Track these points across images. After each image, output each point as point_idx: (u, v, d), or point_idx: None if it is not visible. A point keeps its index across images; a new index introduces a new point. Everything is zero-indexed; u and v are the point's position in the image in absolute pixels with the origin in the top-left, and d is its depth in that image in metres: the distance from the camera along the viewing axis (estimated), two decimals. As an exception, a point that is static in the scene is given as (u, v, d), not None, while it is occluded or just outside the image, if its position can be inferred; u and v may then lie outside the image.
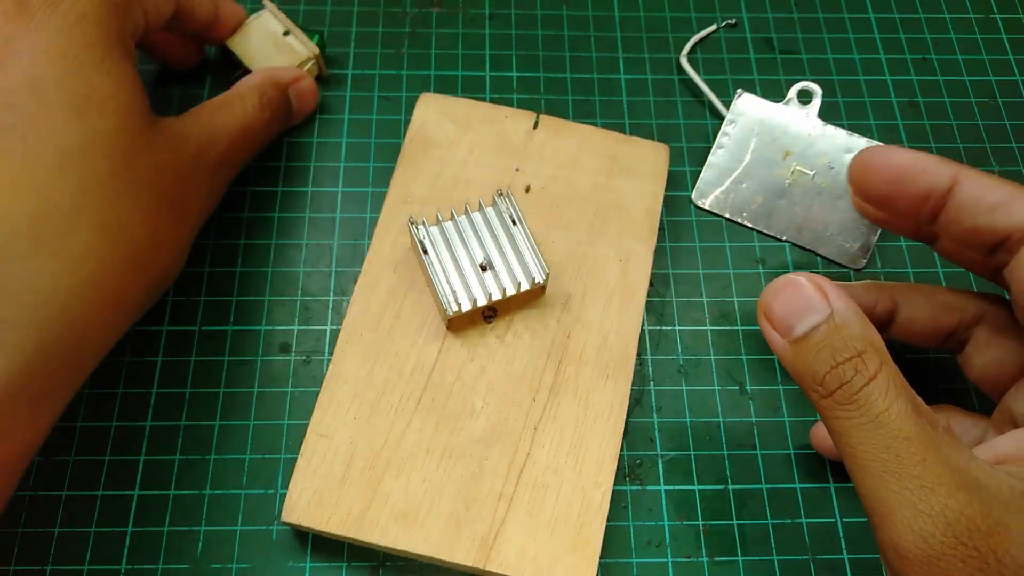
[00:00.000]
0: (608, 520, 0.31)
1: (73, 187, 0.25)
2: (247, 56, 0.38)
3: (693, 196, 0.40)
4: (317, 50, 0.40)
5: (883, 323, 0.30)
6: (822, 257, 0.39)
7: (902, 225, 0.31)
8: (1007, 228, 0.25)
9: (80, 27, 0.27)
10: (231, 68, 0.40)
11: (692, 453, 0.34)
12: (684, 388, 0.36)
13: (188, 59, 0.41)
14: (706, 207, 0.40)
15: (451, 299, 0.33)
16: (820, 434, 0.33)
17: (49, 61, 0.26)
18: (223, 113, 0.33)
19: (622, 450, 0.33)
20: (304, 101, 0.39)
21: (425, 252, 0.34)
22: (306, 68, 0.39)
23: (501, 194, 0.35)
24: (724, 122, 0.41)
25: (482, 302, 0.34)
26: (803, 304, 0.23)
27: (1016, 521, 0.19)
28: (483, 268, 0.34)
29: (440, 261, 0.34)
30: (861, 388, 0.22)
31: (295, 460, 0.32)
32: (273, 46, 0.39)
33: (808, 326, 0.23)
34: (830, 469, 0.34)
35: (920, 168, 0.26)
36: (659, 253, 0.38)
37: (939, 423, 0.22)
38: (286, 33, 0.39)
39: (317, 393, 0.33)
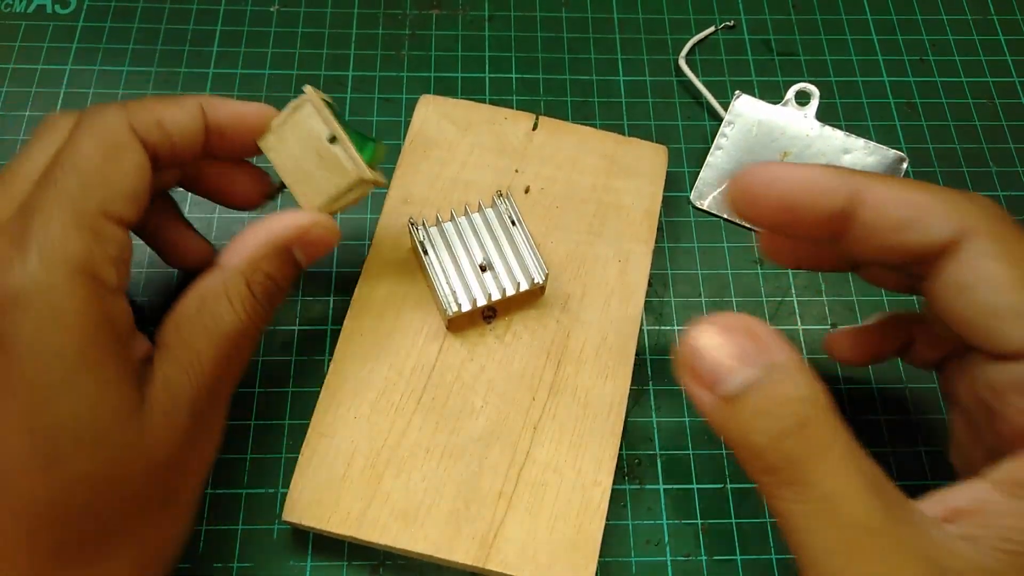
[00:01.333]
0: (607, 519, 0.31)
1: (47, 553, 0.21)
2: (281, 165, 0.29)
3: (692, 197, 0.41)
4: (368, 173, 0.29)
5: (838, 232, 0.23)
6: (820, 257, 0.40)
7: (816, 258, 0.27)
8: (920, 246, 0.21)
9: (46, 338, 0.21)
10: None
11: (691, 452, 0.35)
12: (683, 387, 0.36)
13: (253, 195, 0.32)
14: (705, 208, 0.40)
15: (451, 299, 0.33)
16: (835, 339, 0.31)
17: (8, 393, 0.21)
18: (203, 330, 0.25)
19: (621, 449, 0.34)
20: (316, 250, 0.29)
21: (425, 253, 0.34)
22: (351, 194, 0.29)
23: (501, 195, 0.35)
24: (722, 123, 0.41)
25: (482, 302, 0.34)
26: (735, 354, 0.19)
27: None
28: (483, 269, 0.35)
29: (440, 262, 0.34)
30: (811, 466, 0.18)
31: (296, 459, 0.32)
32: (314, 156, 0.28)
33: (741, 382, 0.19)
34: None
35: (810, 187, 0.21)
36: (658, 253, 0.38)
37: (894, 495, 0.19)
38: (332, 139, 0.28)
39: (318, 393, 0.33)
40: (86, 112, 0.25)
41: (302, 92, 0.28)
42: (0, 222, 0.23)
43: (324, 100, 0.28)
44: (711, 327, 0.20)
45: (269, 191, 0.32)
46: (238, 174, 0.31)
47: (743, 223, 0.40)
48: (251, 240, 0.27)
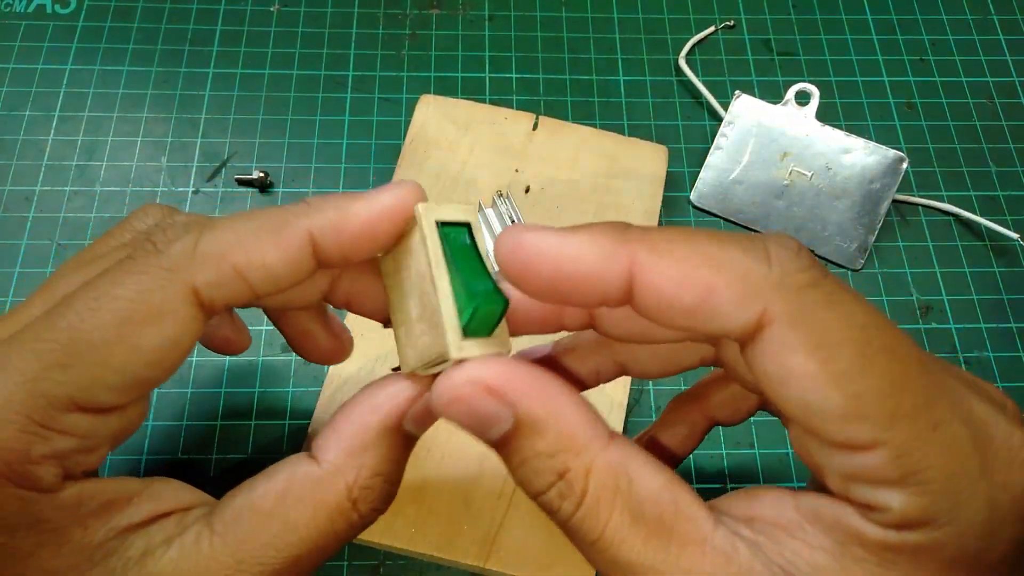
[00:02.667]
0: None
1: None
2: (390, 299, 0.22)
3: (692, 197, 0.41)
4: (459, 349, 0.19)
5: (623, 304, 0.19)
6: (820, 257, 0.39)
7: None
8: (709, 334, 0.18)
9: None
10: None
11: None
12: (683, 388, 0.36)
13: (330, 355, 0.27)
14: (704, 208, 0.40)
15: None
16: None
17: None
18: (264, 544, 0.19)
19: (621, 449, 0.33)
20: (430, 420, 0.22)
21: (425, 252, 0.34)
22: (445, 366, 0.19)
23: (501, 195, 0.35)
24: (722, 123, 0.41)
25: (482, 302, 0.34)
26: (479, 414, 0.18)
27: None
28: (483, 268, 0.35)
29: (440, 261, 0.34)
30: (570, 517, 0.18)
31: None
32: (418, 299, 0.20)
33: (497, 435, 0.18)
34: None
35: (578, 267, 0.17)
36: (658, 253, 0.38)
37: (668, 513, 0.18)
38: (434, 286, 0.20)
39: (318, 393, 0.33)
40: (148, 244, 0.19)
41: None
42: None
43: (456, 219, 0.20)
44: (449, 392, 0.18)
45: (349, 348, 0.27)
46: (319, 328, 0.26)
47: (744, 224, 0.40)
48: (353, 421, 0.21)
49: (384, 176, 0.40)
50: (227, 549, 0.19)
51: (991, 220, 0.40)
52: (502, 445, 0.18)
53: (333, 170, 0.40)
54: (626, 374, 0.26)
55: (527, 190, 0.38)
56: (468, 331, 0.19)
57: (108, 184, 0.40)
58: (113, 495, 0.19)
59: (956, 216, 0.41)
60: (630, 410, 0.35)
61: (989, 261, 0.40)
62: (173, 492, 0.20)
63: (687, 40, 0.45)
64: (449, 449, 0.32)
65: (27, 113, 0.41)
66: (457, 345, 0.19)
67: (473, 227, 0.20)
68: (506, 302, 0.19)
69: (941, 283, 0.39)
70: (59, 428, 0.18)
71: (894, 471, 0.16)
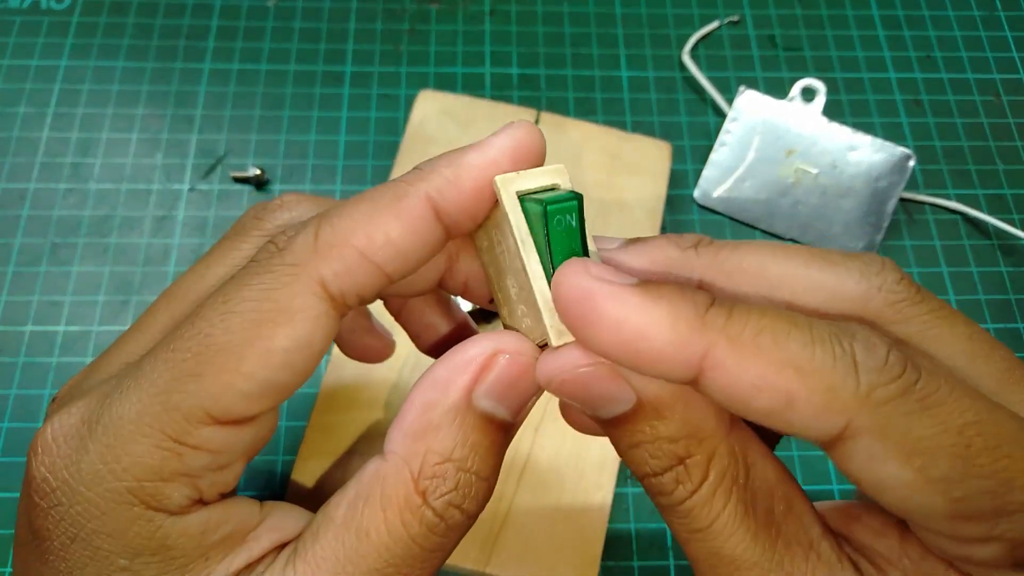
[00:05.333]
0: (609, 522, 0.31)
1: None
2: (489, 273, 0.20)
3: (695, 194, 0.40)
4: (561, 329, 0.17)
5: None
6: (825, 256, 0.39)
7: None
8: (793, 434, 0.16)
9: None
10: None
11: (694, 454, 0.34)
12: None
13: (373, 355, 0.27)
14: (708, 206, 0.40)
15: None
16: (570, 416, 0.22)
17: None
18: (339, 559, 0.18)
19: (623, 451, 0.33)
20: (522, 394, 0.19)
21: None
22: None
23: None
24: (727, 119, 0.40)
25: (482, 302, 0.33)
26: (600, 396, 0.17)
27: None
28: (483, 267, 0.34)
29: (440, 260, 0.34)
30: (682, 502, 0.17)
31: (293, 461, 0.31)
32: (514, 277, 0.19)
33: (612, 414, 0.17)
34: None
35: (651, 346, 0.15)
36: (661, 252, 0.38)
37: (778, 511, 0.17)
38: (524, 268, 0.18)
39: (315, 394, 0.33)
40: (269, 245, 0.18)
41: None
42: (115, 371, 0.18)
43: (539, 192, 0.18)
44: (572, 371, 0.17)
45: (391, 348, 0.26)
46: (441, 319, 0.24)
47: (748, 222, 0.40)
48: (414, 402, 0.18)
49: (383, 174, 0.39)
50: (308, 572, 0.17)
51: (999, 219, 0.39)
52: (614, 424, 0.17)
53: (330, 167, 0.40)
54: None
55: (528, 188, 0.37)
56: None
57: (103, 181, 0.39)
58: (235, 526, 0.18)
59: (963, 215, 0.40)
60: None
61: (996, 260, 0.39)
62: (291, 522, 0.19)
63: (691, 35, 0.44)
64: (448, 451, 0.32)
65: (21, 110, 0.41)
66: (558, 330, 0.17)
67: (562, 187, 0.18)
68: None
69: (948, 282, 0.39)
70: (192, 443, 0.17)
71: (1009, 560, 0.16)
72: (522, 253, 0.17)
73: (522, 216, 0.17)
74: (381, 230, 0.17)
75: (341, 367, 0.33)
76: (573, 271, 0.16)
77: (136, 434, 0.17)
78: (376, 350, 0.26)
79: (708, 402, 0.17)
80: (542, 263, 0.17)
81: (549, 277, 0.17)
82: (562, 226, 0.18)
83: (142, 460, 0.17)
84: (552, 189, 0.18)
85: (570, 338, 0.17)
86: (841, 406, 0.15)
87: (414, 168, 0.19)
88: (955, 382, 0.16)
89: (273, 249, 0.18)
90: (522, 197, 0.18)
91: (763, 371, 0.15)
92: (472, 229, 0.19)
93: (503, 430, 0.18)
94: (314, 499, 0.30)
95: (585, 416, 0.18)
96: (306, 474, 0.31)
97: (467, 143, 0.39)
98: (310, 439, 0.32)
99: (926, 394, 0.15)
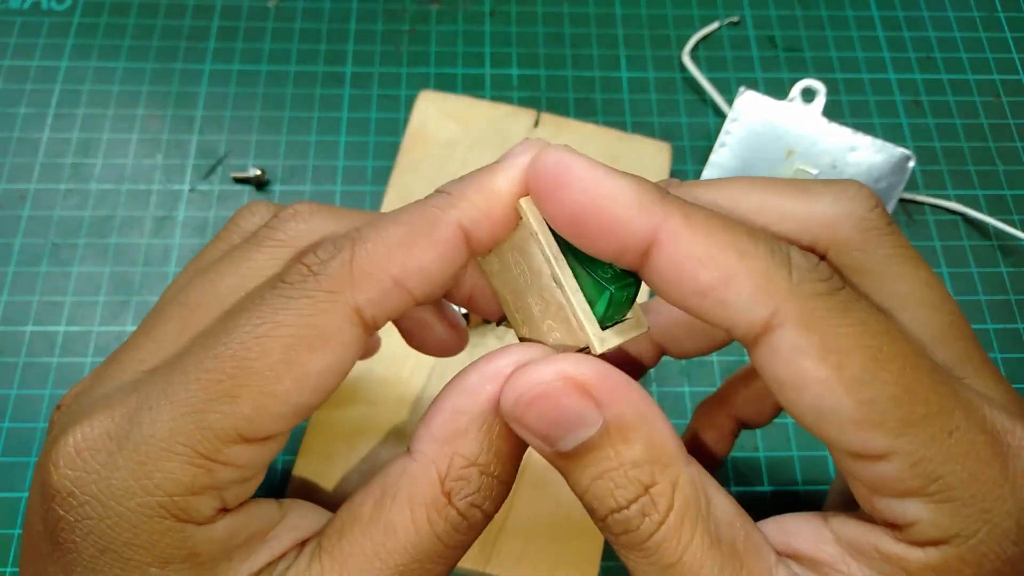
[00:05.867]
0: (609, 523, 0.31)
1: None
2: (502, 296, 0.20)
3: (695, 195, 0.40)
4: (601, 341, 0.18)
5: (633, 264, 0.18)
6: (825, 257, 0.39)
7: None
8: (719, 320, 0.17)
9: None
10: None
11: (694, 455, 0.34)
12: (687, 389, 0.35)
13: (449, 348, 0.26)
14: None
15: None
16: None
17: None
18: (365, 555, 0.18)
19: (623, 452, 0.33)
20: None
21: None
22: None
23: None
24: (727, 120, 0.40)
25: (482, 302, 0.33)
26: (562, 417, 0.17)
27: None
28: (483, 268, 0.34)
29: (440, 261, 0.34)
30: (649, 537, 0.17)
31: (293, 461, 0.31)
32: (537, 296, 0.19)
33: (574, 444, 0.17)
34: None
35: (606, 207, 0.16)
36: (661, 253, 0.38)
37: (739, 541, 0.17)
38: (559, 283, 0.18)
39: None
40: (301, 267, 0.18)
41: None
42: (131, 380, 0.19)
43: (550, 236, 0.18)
44: (535, 386, 0.17)
45: (467, 338, 0.26)
46: (436, 319, 0.25)
47: (747, 222, 0.40)
48: (443, 408, 0.19)
49: (383, 174, 0.39)
50: (335, 568, 0.18)
51: (999, 219, 0.39)
52: (577, 456, 0.17)
53: (330, 168, 0.40)
54: (666, 354, 0.25)
55: (528, 188, 0.37)
56: (605, 320, 0.18)
57: (103, 182, 0.39)
58: (257, 526, 0.19)
59: (963, 215, 0.40)
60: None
61: (996, 261, 0.39)
62: (310, 520, 0.19)
63: (691, 36, 0.44)
64: (448, 452, 0.32)
65: (22, 110, 0.41)
66: (600, 338, 0.18)
67: None
68: (638, 281, 0.18)
69: (948, 283, 0.39)
70: (223, 460, 0.17)
71: (913, 479, 0.16)
72: (557, 270, 0.18)
73: (551, 236, 0.18)
74: (416, 260, 0.18)
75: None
76: (553, 147, 0.17)
77: (168, 452, 0.17)
78: (449, 343, 0.26)
79: (668, 427, 0.17)
80: (576, 276, 0.18)
81: (584, 288, 0.18)
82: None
83: (174, 476, 0.17)
84: None
85: (612, 345, 0.18)
86: (773, 289, 0.16)
87: (440, 191, 0.19)
88: (872, 303, 0.17)
89: (306, 272, 0.18)
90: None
91: (709, 248, 0.16)
92: (494, 246, 0.19)
93: (524, 445, 0.19)
94: (313, 496, 0.31)
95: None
96: (307, 471, 0.31)
97: (467, 143, 0.39)
98: (310, 438, 0.32)
99: (848, 299, 0.17)
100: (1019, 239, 0.39)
